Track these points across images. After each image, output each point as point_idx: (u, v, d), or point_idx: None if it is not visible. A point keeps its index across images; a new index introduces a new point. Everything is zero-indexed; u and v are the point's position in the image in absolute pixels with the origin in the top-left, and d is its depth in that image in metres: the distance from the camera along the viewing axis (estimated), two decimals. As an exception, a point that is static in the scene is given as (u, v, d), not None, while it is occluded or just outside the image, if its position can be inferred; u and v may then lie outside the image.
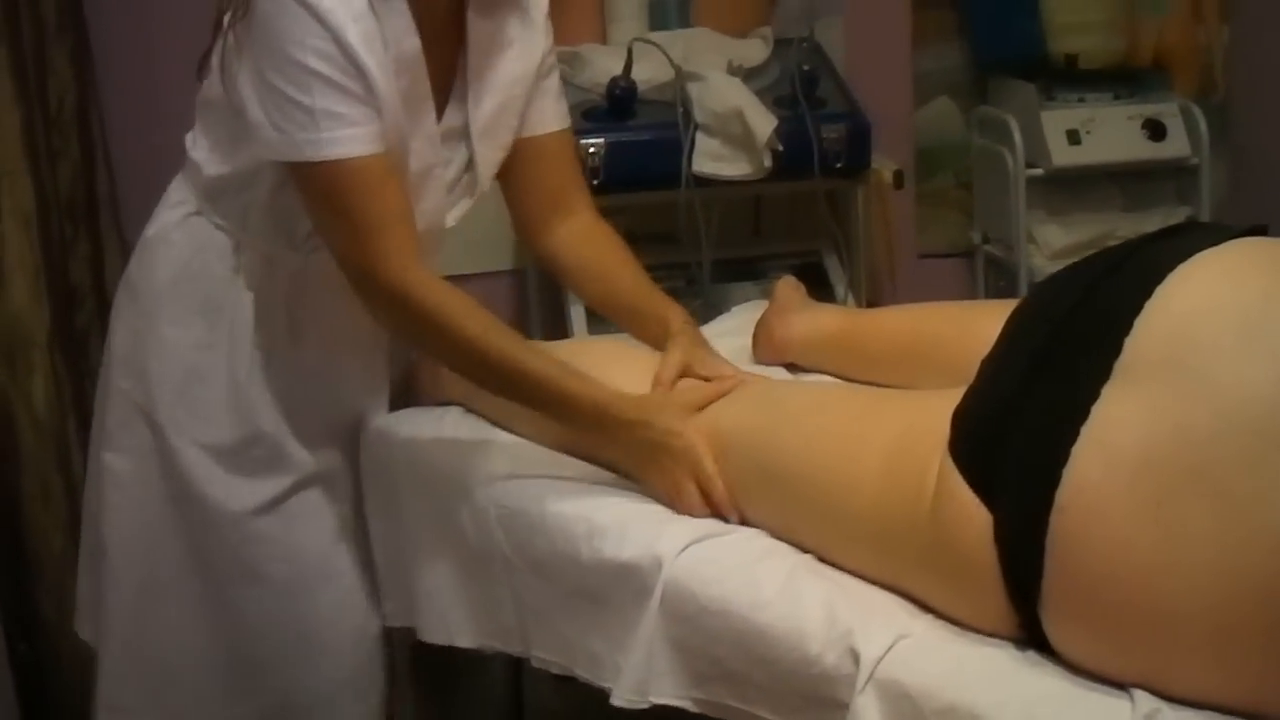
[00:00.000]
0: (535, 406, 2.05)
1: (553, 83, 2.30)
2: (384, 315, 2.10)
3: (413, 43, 2.05)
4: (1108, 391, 1.40)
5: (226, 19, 2.04)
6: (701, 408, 1.97)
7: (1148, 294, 1.43)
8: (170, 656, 2.28)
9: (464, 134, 2.20)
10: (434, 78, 2.12)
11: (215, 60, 2.10)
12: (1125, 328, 1.42)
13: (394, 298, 2.02)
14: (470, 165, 2.23)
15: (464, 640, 2.10)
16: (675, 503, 1.91)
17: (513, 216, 2.37)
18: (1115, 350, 1.41)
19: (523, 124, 2.27)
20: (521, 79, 2.22)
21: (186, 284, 2.22)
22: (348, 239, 2.03)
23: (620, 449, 2.01)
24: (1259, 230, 1.56)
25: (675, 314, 2.22)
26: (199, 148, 2.20)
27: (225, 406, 2.22)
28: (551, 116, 2.30)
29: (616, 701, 1.76)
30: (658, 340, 2.18)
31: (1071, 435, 1.39)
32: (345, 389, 2.31)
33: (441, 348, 2.08)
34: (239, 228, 2.20)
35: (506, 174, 2.30)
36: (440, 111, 2.16)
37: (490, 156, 2.24)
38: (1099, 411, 1.39)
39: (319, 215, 2.07)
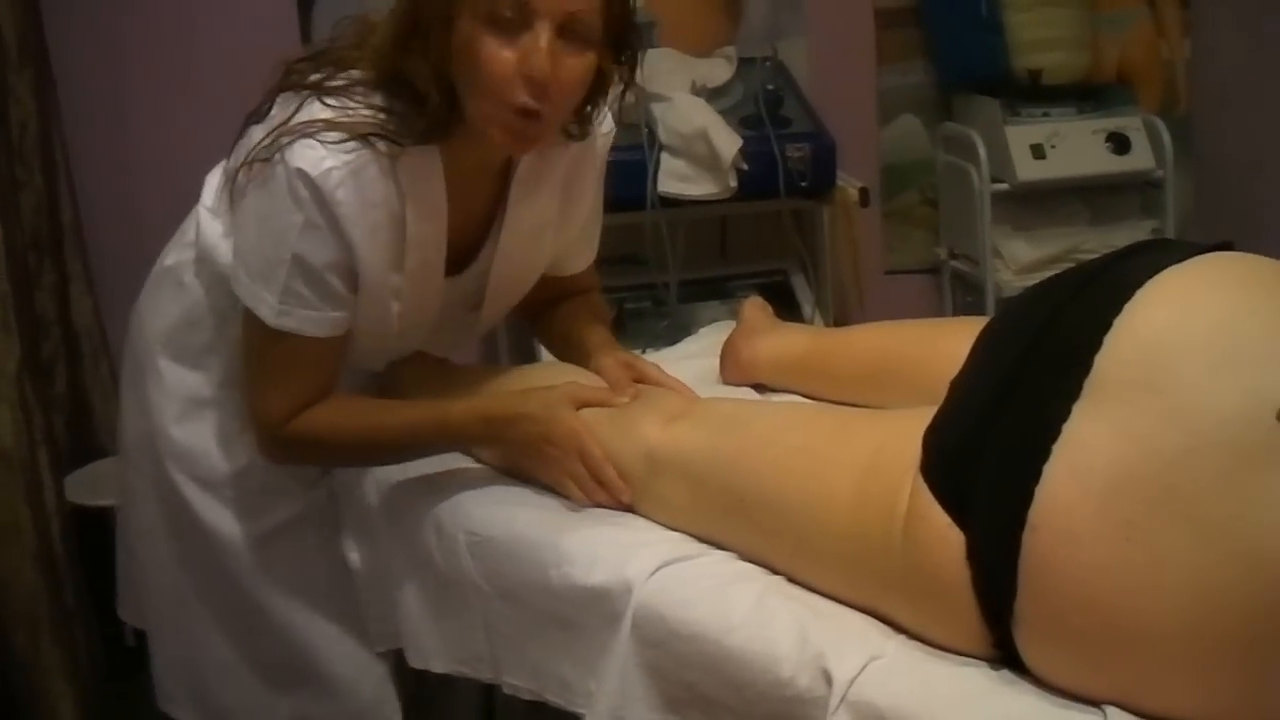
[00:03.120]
0: (436, 445, 2.10)
1: (594, 225, 2.34)
2: (272, 453, 2.12)
3: (437, 214, 2.01)
4: (1079, 410, 1.39)
5: (248, 153, 1.96)
6: (584, 404, 2.00)
7: (1117, 311, 1.43)
8: (205, 664, 2.32)
9: (480, 283, 2.18)
10: (457, 232, 2.07)
11: (225, 180, 2.07)
12: (1095, 346, 1.41)
13: (280, 443, 2.06)
14: (476, 309, 2.23)
15: (438, 666, 2.09)
16: (568, 491, 1.95)
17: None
18: (1085, 368, 1.41)
19: (554, 263, 2.30)
20: (555, 234, 2.23)
21: (189, 327, 2.23)
22: (258, 391, 2.05)
23: (514, 449, 2.03)
24: (1225, 246, 1.56)
25: (596, 337, 2.27)
26: (219, 201, 2.15)
27: (218, 443, 2.23)
28: (584, 258, 2.36)
29: (590, 728, 1.75)
30: (582, 361, 2.24)
31: (1043, 454, 1.39)
32: None
33: (336, 457, 2.15)
34: None
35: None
36: (462, 265, 2.13)
37: (496, 313, 2.27)
38: (1070, 430, 1.39)
39: (246, 351, 2.06)
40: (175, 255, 2.26)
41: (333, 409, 2.06)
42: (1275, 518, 1.26)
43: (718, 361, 2.45)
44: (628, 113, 3.14)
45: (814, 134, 3.26)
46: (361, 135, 1.89)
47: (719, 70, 3.47)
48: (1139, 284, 1.45)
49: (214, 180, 2.17)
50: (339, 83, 1.94)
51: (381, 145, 1.90)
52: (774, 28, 3.87)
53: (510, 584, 1.92)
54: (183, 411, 2.23)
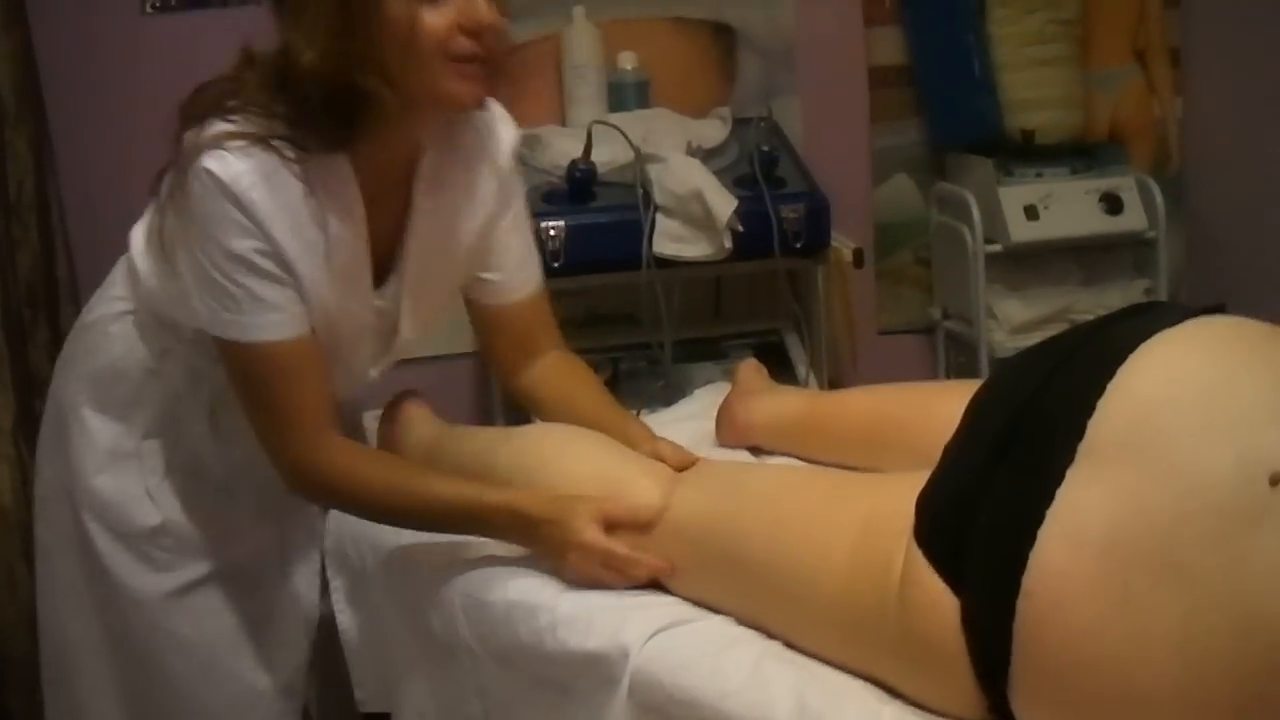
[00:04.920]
0: (459, 528, 2.10)
1: (520, 243, 2.35)
2: (300, 491, 2.14)
3: (355, 218, 2.08)
4: (1072, 475, 1.39)
5: (164, 189, 2.05)
6: (609, 520, 1.97)
7: (1109, 376, 1.43)
8: None
9: (398, 294, 2.22)
10: (376, 240, 2.14)
11: (154, 223, 2.13)
12: (1088, 410, 1.42)
13: (306, 478, 2.09)
14: (395, 327, 2.26)
15: (433, 728, 2.09)
16: (605, 582, 1.95)
17: (486, 359, 2.45)
18: (1079, 433, 1.41)
19: (493, 292, 2.34)
20: (467, 232, 2.26)
21: (114, 379, 2.25)
22: (266, 423, 2.08)
23: (540, 546, 2.03)
24: (1216, 309, 1.56)
25: (636, 427, 2.27)
26: (144, 255, 2.21)
27: (135, 498, 2.25)
28: (521, 282, 2.37)
29: (587, 793, 1.75)
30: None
31: (1037, 519, 1.39)
32: (272, 484, 2.24)
33: (363, 508, 2.14)
34: (173, 338, 2.21)
35: (480, 330, 2.41)
36: (383, 275, 2.19)
37: (417, 318, 2.27)
38: (1064, 495, 1.39)
39: (239, 392, 2.10)
40: (100, 309, 2.30)
41: (364, 459, 2.12)
42: (1268, 581, 1.26)
43: (713, 424, 2.45)
44: (623, 173, 3.17)
45: (808, 194, 3.27)
46: (265, 140, 1.96)
47: (714, 130, 3.48)
48: (1130, 348, 1.45)
49: (139, 231, 2.22)
50: (235, 103, 1.99)
51: (288, 151, 1.97)
52: (768, 87, 3.89)
53: (506, 647, 1.91)
54: (104, 463, 2.25)
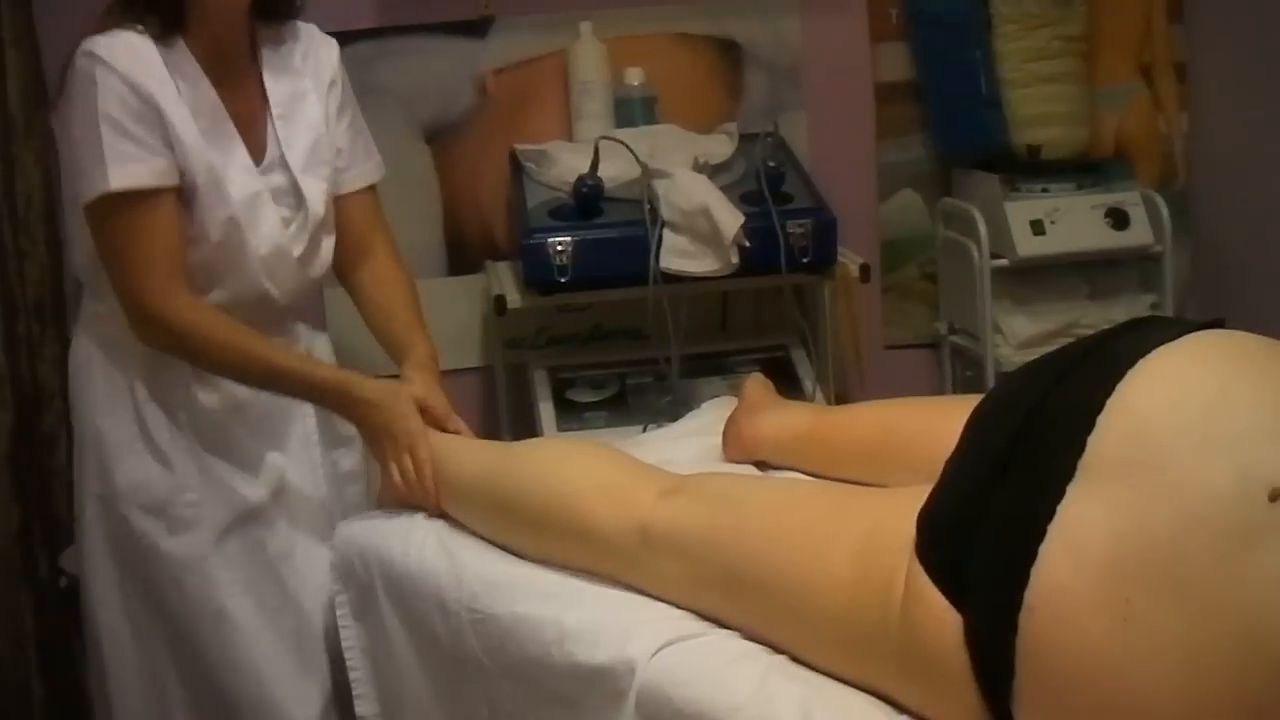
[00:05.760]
0: (290, 394, 2.45)
1: (361, 140, 2.64)
2: (151, 339, 2.37)
3: (205, 86, 2.37)
4: (1073, 490, 1.40)
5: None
6: (426, 409, 2.37)
7: (1109, 391, 1.44)
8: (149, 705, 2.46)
9: (284, 168, 2.45)
10: (244, 121, 2.43)
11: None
12: (1088, 426, 1.42)
13: (156, 323, 2.33)
14: (300, 199, 2.46)
15: (442, 743, 2.10)
16: (388, 478, 2.36)
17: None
18: (1079, 449, 1.41)
19: (337, 180, 2.57)
20: (324, 119, 2.55)
21: (100, 373, 2.45)
22: (122, 273, 2.33)
23: (358, 424, 2.43)
24: (1216, 323, 1.57)
25: (419, 350, 2.55)
26: (73, 250, 2.50)
27: (152, 466, 2.40)
28: (353, 177, 2.64)
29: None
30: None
31: (1039, 535, 1.39)
32: (261, 420, 2.51)
33: (205, 360, 2.38)
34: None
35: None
36: (261, 150, 2.46)
37: (315, 186, 2.49)
38: (1065, 511, 1.39)
39: (103, 253, 2.33)
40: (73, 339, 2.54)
41: (210, 314, 2.36)
42: (1269, 596, 1.27)
43: (720, 439, 2.46)
44: (630, 189, 3.18)
45: (815, 210, 3.27)
46: (118, 22, 2.31)
47: (720, 146, 3.48)
48: (1130, 363, 1.46)
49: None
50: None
51: (137, 27, 2.30)
52: (774, 103, 3.89)
53: (514, 662, 1.92)
54: (122, 453, 2.42)
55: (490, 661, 1.96)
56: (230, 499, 2.43)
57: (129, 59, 2.27)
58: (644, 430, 3.00)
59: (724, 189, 3.19)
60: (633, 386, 3.30)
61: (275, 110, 2.48)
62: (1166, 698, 1.30)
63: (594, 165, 3.22)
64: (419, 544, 2.20)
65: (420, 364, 2.51)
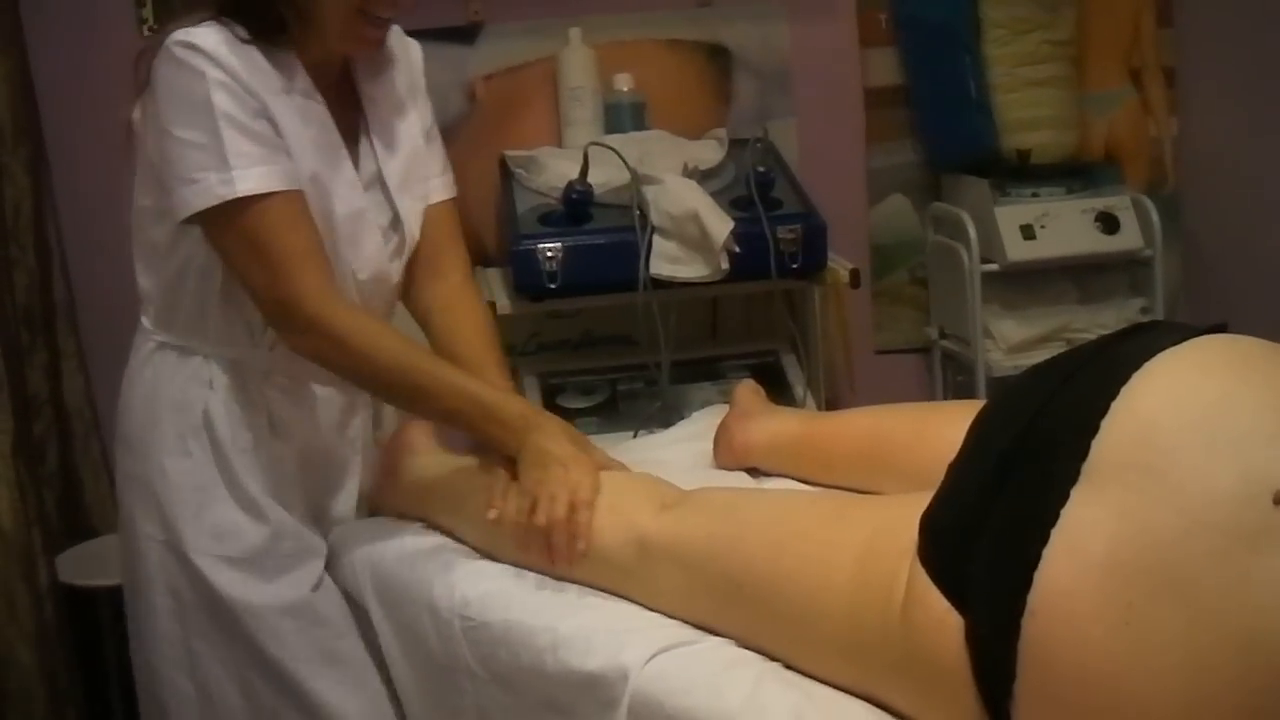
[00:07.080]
0: (456, 414, 2.17)
1: (439, 151, 2.45)
2: (302, 345, 2.15)
3: (315, 96, 2.18)
4: (1076, 494, 1.40)
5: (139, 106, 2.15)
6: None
7: (1112, 396, 1.43)
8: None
9: (382, 185, 2.29)
10: (344, 134, 2.24)
11: (140, 162, 2.21)
12: (1091, 430, 1.42)
13: (310, 328, 2.10)
14: (397, 221, 2.32)
15: (433, 750, 2.09)
16: (536, 503, 2.03)
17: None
18: (1082, 453, 1.41)
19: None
20: (421, 133, 2.37)
21: (168, 414, 2.25)
22: (264, 275, 2.09)
23: (529, 452, 2.11)
24: (1219, 327, 1.57)
25: (493, 382, 2.28)
26: (142, 273, 2.28)
27: (241, 515, 2.24)
28: (440, 187, 2.44)
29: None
30: None
31: (1041, 539, 1.39)
32: (325, 471, 2.37)
33: (361, 371, 2.17)
34: (200, 341, 2.23)
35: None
36: (355, 165, 2.27)
37: (412, 208, 2.34)
38: (1068, 515, 1.39)
39: (235, 257, 2.12)
40: (129, 366, 2.33)
41: (375, 322, 2.17)
42: (1271, 599, 1.26)
43: (711, 445, 2.45)
44: (620, 194, 3.17)
45: (805, 215, 3.26)
46: (218, 19, 2.10)
47: (710, 152, 3.48)
48: (1134, 368, 1.46)
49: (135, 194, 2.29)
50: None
51: (239, 31, 2.10)
52: (764, 109, 3.89)
53: (505, 669, 1.91)
54: (198, 503, 2.24)
55: (482, 669, 1.95)
56: (312, 544, 2.30)
57: (238, 56, 2.07)
58: (635, 436, 2.99)
59: (714, 194, 3.18)
60: (623, 392, 3.29)
61: (370, 120, 2.31)
62: (1168, 700, 1.30)
63: (583, 171, 3.21)
64: (411, 550, 2.19)
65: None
